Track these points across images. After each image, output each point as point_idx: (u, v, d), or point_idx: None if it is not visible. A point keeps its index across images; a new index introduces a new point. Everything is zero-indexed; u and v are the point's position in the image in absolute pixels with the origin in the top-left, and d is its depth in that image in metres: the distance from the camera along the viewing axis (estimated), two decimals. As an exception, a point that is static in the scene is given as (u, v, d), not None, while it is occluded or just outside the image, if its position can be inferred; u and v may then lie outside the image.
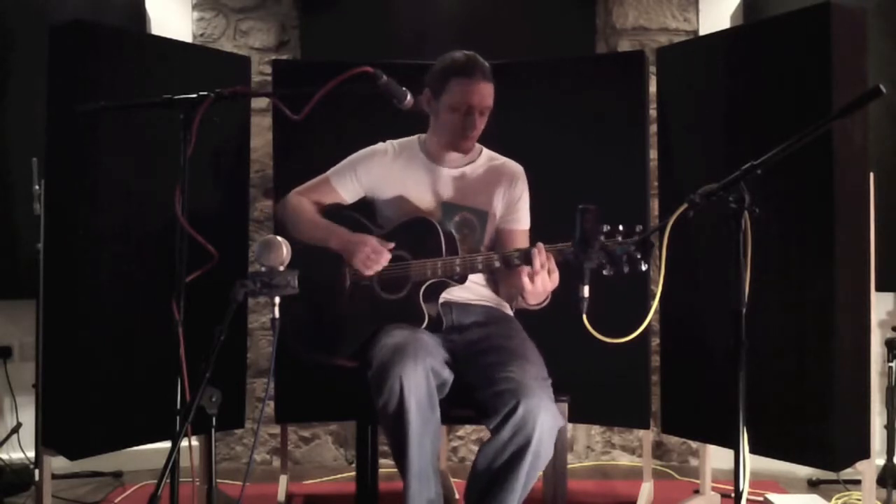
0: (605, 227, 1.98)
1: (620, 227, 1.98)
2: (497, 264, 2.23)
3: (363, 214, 2.48)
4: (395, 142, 2.53)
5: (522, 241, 2.47)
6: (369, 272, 2.32)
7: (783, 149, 1.64)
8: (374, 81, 1.87)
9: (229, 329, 1.69)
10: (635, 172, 2.91)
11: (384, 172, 2.48)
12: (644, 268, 1.97)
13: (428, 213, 2.42)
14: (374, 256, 2.29)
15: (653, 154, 3.03)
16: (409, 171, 2.47)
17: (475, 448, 3.62)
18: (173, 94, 1.86)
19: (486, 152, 2.54)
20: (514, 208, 2.50)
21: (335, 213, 2.49)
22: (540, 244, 2.13)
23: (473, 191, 2.46)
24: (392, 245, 2.32)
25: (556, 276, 2.12)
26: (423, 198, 2.46)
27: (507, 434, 2.06)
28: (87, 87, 2.55)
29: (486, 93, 2.35)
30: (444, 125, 2.40)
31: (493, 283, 2.51)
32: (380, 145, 2.53)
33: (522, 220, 2.52)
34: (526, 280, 2.12)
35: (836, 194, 2.41)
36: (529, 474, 2.08)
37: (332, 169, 2.53)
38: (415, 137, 2.53)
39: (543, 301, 2.27)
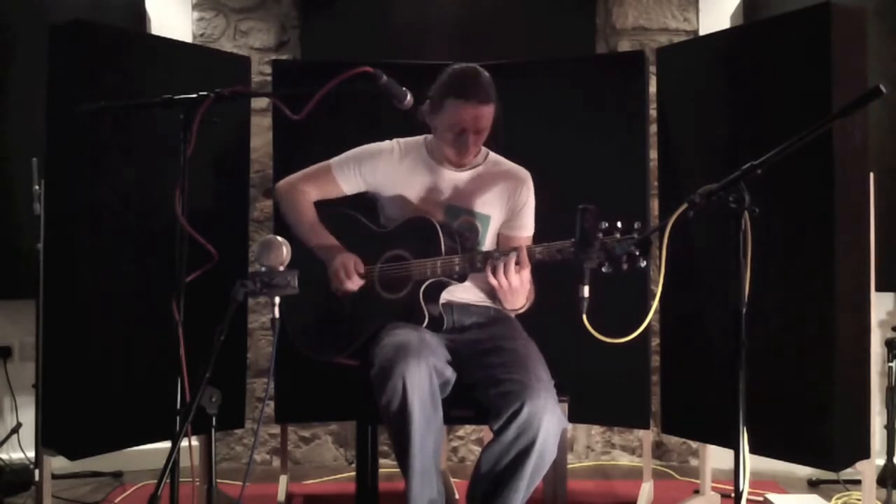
0: (604, 224, 1.97)
1: (619, 224, 1.97)
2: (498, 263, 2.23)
3: (364, 214, 2.48)
4: (401, 141, 2.52)
5: None
6: (337, 293, 2.37)
7: (783, 149, 1.64)
8: (375, 81, 1.87)
9: (229, 329, 1.68)
10: (635, 172, 2.91)
11: (389, 172, 2.47)
12: (643, 265, 1.97)
13: (430, 214, 2.41)
14: (343, 277, 2.33)
15: (653, 154, 3.03)
16: (413, 172, 2.47)
17: (475, 448, 3.62)
18: (173, 94, 1.86)
19: (492, 156, 2.52)
20: (518, 214, 2.47)
21: (338, 213, 2.49)
22: (522, 246, 2.18)
23: (476, 195, 2.45)
24: (363, 271, 2.35)
25: (525, 273, 2.17)
26: (426, 199, 2.45)
27: (512, 435, 2.06)
28: (87, 87, 2.55)
29: (481, 115, 2.31)
30: (441, 140, 2.39)
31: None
32: (386, 143, 2.52)
33: (526, 227, 2.49)
34: (490, 277, 2.17)
35: (836, 194, 2.41)
36: (533, 475, 2.08)
37: (335, 159, 2.51)
38: (421, 138, 2.52)
39: (520, 307, 2.31)
